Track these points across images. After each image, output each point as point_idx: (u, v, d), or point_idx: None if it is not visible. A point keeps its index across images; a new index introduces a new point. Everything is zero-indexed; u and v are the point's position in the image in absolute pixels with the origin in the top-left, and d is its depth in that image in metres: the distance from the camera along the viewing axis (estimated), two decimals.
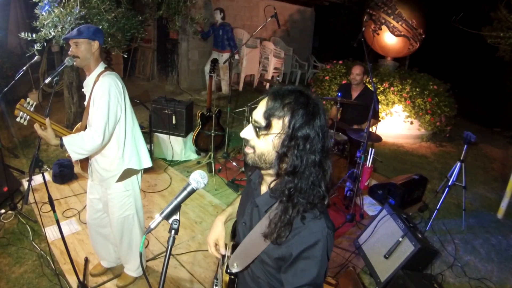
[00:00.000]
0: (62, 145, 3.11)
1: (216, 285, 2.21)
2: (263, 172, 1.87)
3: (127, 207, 3.75)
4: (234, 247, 2.02)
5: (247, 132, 1.77)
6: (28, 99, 3.17)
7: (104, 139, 3.25)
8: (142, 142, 3.82)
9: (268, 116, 1.67)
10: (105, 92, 3.26)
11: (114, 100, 3.30)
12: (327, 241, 1.71)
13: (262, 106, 1.72)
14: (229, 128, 7.37)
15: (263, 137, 1.71)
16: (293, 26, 15.45)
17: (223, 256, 2.18)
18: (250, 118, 1.78)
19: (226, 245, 2.18)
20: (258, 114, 1.72)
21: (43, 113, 3.26)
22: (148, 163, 3.83)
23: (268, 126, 1.67)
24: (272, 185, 1.77)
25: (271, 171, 1.79)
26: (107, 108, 3.25)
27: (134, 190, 3.79)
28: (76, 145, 3.15)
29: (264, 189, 1.92)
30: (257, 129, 1.71)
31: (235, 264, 1.91)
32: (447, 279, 4.76)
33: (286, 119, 1.65)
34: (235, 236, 2.16)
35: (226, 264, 2.02)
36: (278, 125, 1.67)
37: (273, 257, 1.80)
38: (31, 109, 3.18)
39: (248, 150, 1.78)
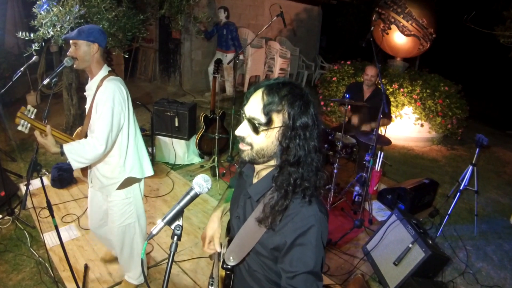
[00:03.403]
0: (62, 153, 3.10)
1: (211, 285, 2.21)
2: (257, 166, 1.92)
3: (128, 215, 3.75)
4: (229, 242, 2.03)
5: (243, 130, 1.79)
6: (28, 107, 3.16)
7: (107, 148, 3.25)
8: (144, 150, 3.82)
9: (268, 111, 1.70)
10: (108, 99, 3.25)
11: (118, 107, 3.30)
12: (320, 225, 1.74)
13: (257, 101, 1.75)
14: (233, 131, 7.36)
15: (263, 133, 1.74)
16: (300, 26, 15.46)
17: (218, 254, 2.20)
18: (243, 115, 1.80)
19: (221, 243, 2.19)
20: (255, 110, 1.74)
21: (41, 116, 3.26)
22: (150, 172, 3.84)
23: (269, 121, 1.71)
24: (275, 177, 1.78)
25: (268, 164, 1.85)
26: (110, 116, 3.24)
27: (135, 198, 3.79)
28: (77, 153, 3.14)
29: (256, 180, 1.96)
30: (256, 126, 1.73)
31: (231, 258, 1.92)
32: (459, 287, 4.74)
33: (286, 112, 1.71)
34: (230, 232, 2.18)
35: (222, 260, 2.03)
36: (278, 119, 1.71)
37: (268, 247, 1.83)
38: (32, 116, 3.17)
39: (244, 147, 1.80)
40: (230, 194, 2.37)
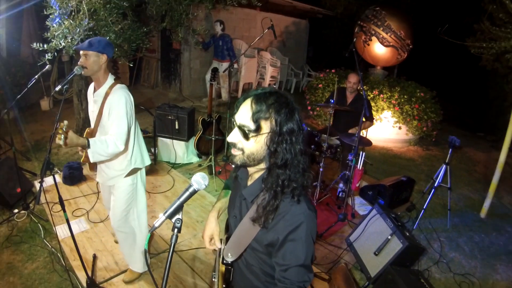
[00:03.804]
0: (88, 145, 3.17)
1: (214, 278, 2.23)
2: (250, 169, 1.93)
3: (131, 201, 3.85)
4: (227, 239, 2.05)
5: (234, 137, 1.81)
6: (65, 122, 3.17)
7: (124, 146, 3.38)
8: (143, 144, 3.96)
9: (257, 119, 1.72)
10: (122, 105, 3.38)
11: (129, 112, 3.46)
12: (309, 222, 1.77)
13: (246, 110, 1.77)
14: (228, 133, 7.37)
15: (253, 139, 1.76)
16: (289, 37, 15.48)
17: (219, 250, 2.21)
18: (234, 122, 1.82)
19: (221, 239, 2.20)
20: (244, 118, 1.76)
21: (53, 119, 3.27)
22: (148, 162, 3.97)
23: (258, 128, 1.73)
24: (264, 179, 1.81)
25: (259, 167, 1.86)
26: (126, 119, 3.39)
27: (137, 184, 3.91)
28: (100, 147, 3.24)
29: (250, 182, 1.97)
30: (246, 132, 1.75)
31: (229, 254, 1.95)
32: (433, 275, 4.77)
33: (273, 119, 1.74)
34: (229, 230, 2.19)
35: (221, 256, 2.05)
36: (266, 125, 1.74)
37: (263, 243, 1.85)
38: (64, 129, 3.18)
39: (236, 152, 1.82)
40: (225, 194, 2.39)
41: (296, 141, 1.76)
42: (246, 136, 1.76)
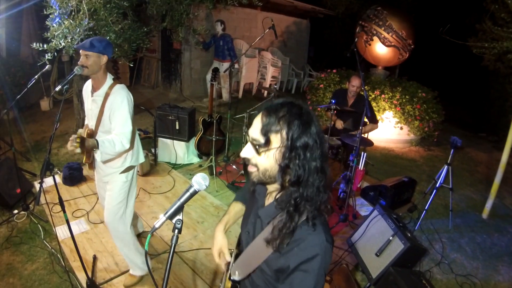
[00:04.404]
0: (98, 145, 3.24)
1: None
2: (268, 186, 1.83)
3: (124, 197, 3.88)
4: (237, 256, 1.99)
5: (247, 151, 1.71)
6: (80, 130, 3.22)
7: (129, 144, 3.49)
8: (139, 142, 4.07)
9: (266, 132, 1.62)
10: (125, 105, 3.48)
11: (131, 111, 3.56)
12: (325, 255, 1.65)
13: (257, 123, 1.67)
14: (229, 133, 7.39)
15: (264, 154, 1.66)
16: (290, 37, 15.51)
17: (228, 264, 2.11)
18: (248, 137, 1.73)
19: (231, 252, 2.12)
20: (255, 132, 1.68)
21: (53, 120, 3.29)
22: (142, 159, 4.08)
23: (267, 142, 1.63)
24: (277, 197, 1.72)
25: (276, 185, 1.74)
26: (130, 119, 3.50)
27: (132, 183, 3.98)
28: (108, 147, 3.31)
29: (268, 201, 1.87)
30: (257, 147, 1.66)
31: (236, 273, 1.87)
32: (435, 276, 4.77)
33: (284, 132, 1.62)
34: (240, 245, 2.11)
35: (229, 271, 1.98)
36: (276, 139, 1.63)
37: (272, 268, 1.76)
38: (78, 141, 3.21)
39: (251, 169, 1.72)
40: (235, 208, 2.31)
41: (311, 157, 1.64)
42: (256, 150, 1.67)
